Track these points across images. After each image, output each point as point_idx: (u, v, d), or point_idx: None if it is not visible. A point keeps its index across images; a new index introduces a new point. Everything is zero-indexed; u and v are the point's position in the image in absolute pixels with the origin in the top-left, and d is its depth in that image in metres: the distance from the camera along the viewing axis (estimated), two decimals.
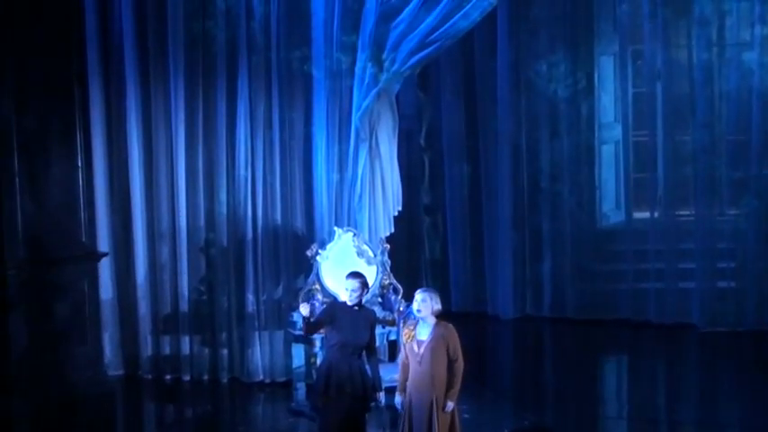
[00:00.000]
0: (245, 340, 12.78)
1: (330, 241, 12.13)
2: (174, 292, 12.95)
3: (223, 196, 12.81)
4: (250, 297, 12.76)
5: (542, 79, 15.18)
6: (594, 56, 15.32)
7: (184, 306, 12.91)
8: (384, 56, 12.21)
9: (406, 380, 9.36)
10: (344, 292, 9.64)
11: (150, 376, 13.06)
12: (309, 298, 11.79)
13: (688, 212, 15.00)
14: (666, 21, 14.70)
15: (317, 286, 11.95)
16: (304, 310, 9.60)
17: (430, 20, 12.08)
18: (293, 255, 12.71)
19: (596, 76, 15.33)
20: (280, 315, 12.70)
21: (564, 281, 15.25)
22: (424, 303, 9.29)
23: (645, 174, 15.20)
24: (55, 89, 12.07)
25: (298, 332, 11.56)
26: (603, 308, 15.08)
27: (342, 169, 12.50)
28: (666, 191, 14.90)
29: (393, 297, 11.97)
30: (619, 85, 15.37)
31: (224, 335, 12.86)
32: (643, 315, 14.87)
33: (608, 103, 15.54)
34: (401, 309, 11.57)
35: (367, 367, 9.55)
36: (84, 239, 12.41)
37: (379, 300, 12.01)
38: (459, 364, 9.26)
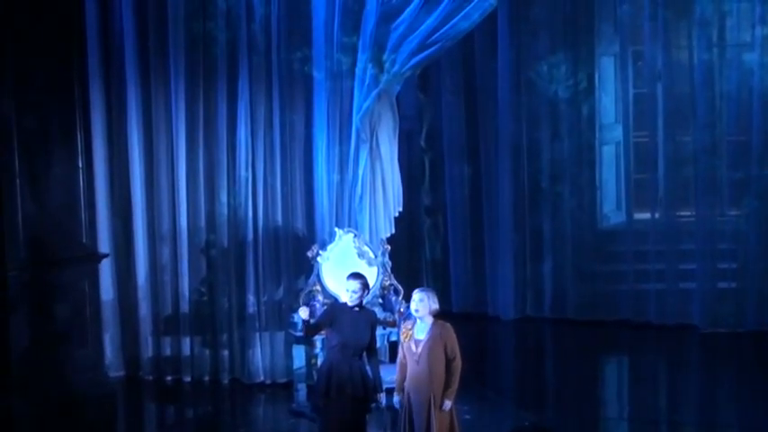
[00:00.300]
0: (246, 341, 12.78)
1: (331, 242, 12.13)
2: (174, 293, 12.96)
3: (224, 197, 12.81)
4: (251, 298, 12.77)
5: (543, 80, 15.18)
6: (595, 56, 15.31)
7: (185, 307, 12.92)
8: (385, 57, 12.21)
9: (403, 379, 9.39)
10: (345, 293, 9.65)
11: (151, 377, 13.06)
12: (310, 299, 11.79)
13: (689, 213, 14.99)
14: (667, 21, 14.70)
15: (318, 287, 11.95)
16: (303, 313, 9.60)
17: (430, 21, 12.08)
18: (294, 256, 12.71)
19: (597, 76, 15.32)
20: (280, 316, 12.70)
21: (565, 282, 15.25)
22: (422, 303, 9.31)
23: (645, 174, 15.20)
24: (56, 90, 12.07)
25: (298, 333, 11.56)
26: (604, 309, 15.08)
27: (342, 170, 12.50)
28: (667, 191, 14.90)
29: (394, 298, 11.97)
30: (619, 86, 15.37)
31: (225, 336, 12.87)
32: (644, 316, 14.87)
33: (609, 103, 15.54)
34: (402, 310, 11.57)
35: (368, 368, 9.56)
36: (84, 240, 12.41)
37: (380, 301, 12.01)
38: (457, 364, 9.28)
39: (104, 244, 12.93)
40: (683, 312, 14.73)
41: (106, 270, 12.97)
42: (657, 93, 14.83)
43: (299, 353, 12.02)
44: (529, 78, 15.20)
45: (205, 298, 12.94)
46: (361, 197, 12.41)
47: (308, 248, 12.13)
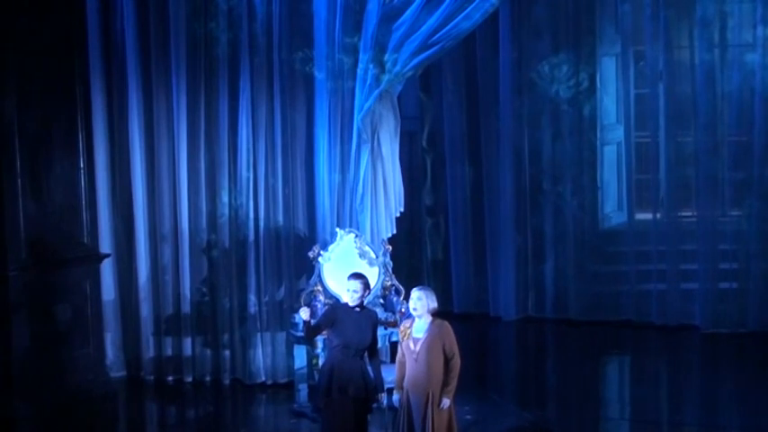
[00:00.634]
0: (247, 341, 12.78)
1: (332, 242, 12.13)
2: (176, 293, 12.96)
3: (225, 197, 12.81)
4: (252, 298, 12.77)
5: (544, 80, 15.18)
6: (596, 57, 15.31)
7: (186, 307, 12.92)
8: (386, 57, 12.21)
9: (403, 377, 9.42)
10: (346, 292, 9.66)
11: (152, 377, 13.06)
12: (311, 299, 11.79)
13: (690, 213, 15.00)
14: (668, 22, 14.69)
15: (319, 287, 11.94)
16: (304, 313, 9.60)
17: (432, 21, 12.08)
18: (295, 256, 12.71)
19: (598, 77, 15.32)
20: (282, 316, 12.70)
21: (566, 282, 15.25)
22: (420, 302, 9.34)
23: (647, 175, 15.20)
24: (57, 90, 12.07)
25: (300, 333, 11.55)
26: (606, 309, 15.08)
27: (344, 170, 12.50)
28: (668, 192, 14.90)
29: (395, 298, 11.96)
30: (621, 87, 15.38)
31: (226, 336, 12.87)
32: (645, 316, 14.86)
33: (610, 104, 15.54)
34: (403, 310, 11.56)
35: (369, 368, 9.56)
36: (86, 241, 12.41)
37: (381, 301, 12.00)
38: (456, 362, 9.30)
39: (106, 244, 12.94)
40: (685, 313, 14.73)
41: (107, 270, 12.98)
42: (659, 93, 14.83)
43: (300, 353, 12.01)
44: (530, 79, 15.20)
45: (206, 298, 12.94)
46: (362, 197, 12.40)
47: (310, 249, 12.13)
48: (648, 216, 15.17)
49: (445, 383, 9.29)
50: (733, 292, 14.60)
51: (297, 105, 12.74)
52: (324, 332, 9.70)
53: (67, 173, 12.20)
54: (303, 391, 11.93)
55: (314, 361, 11.79)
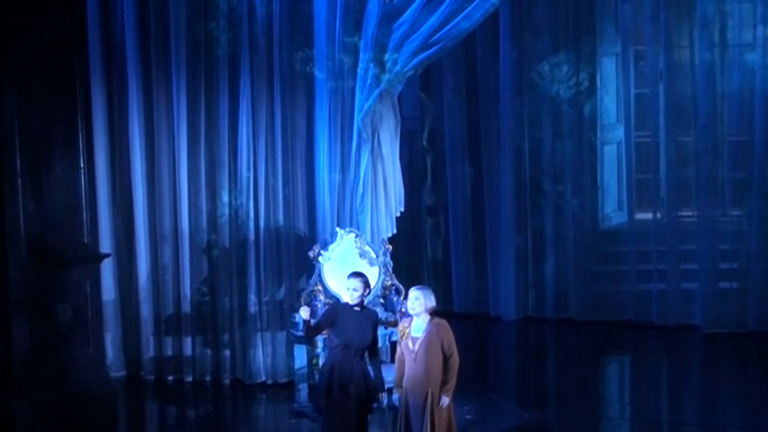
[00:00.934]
0: (248, 341, 12.78)
1: (332, 242, 12.13)
2: (176, 293, 12.96)
3: (225, 197, 12.81)
4: (252, 298, 12.77)
5: (544, 80, 15.18)
6: (597, 57, 15.30)
7: (187, 307, 12.91)
8: (386, 57, 12.21)
9: (402, 376, 9.44)
10: (346, 291, 9.67)
11: (152, 377, 13.06)
12: (311, 299, 11.79)
13: (690, 213, 14.99)
14: (669, 22, 14.69)
15: (320, 287, 11.94)
16: (304, 312, 9.60)
17: (432, 21, 12.07)
18: (295, 256, 12.71)
19: (598, 76, 15.31)
20: (282, 316, 12.70)
21: (566, 282, 15.24)
22: (418, 301, 9.36)
23: (647, 175, 15.19)
24: (57, 90, 12.07)
25: (300, 333, 11.55)
26: (606, 309, 15.07)
27: (344, 170, 12.50)
28: (669, 192, 14.89)
29: (395, 298, 11.96)
30: (621, 86, 15.37)
31: (226, 336, 12.87)
32: (646, 316, 14.86)
33: (610, 103, 15.53)
34: (403, 310, 11.54)
35: (369, 368, 9.57)
36: (86, 241, 12.41)
37: (382, 301, 12.00)
38: (455, 360, 9.31)
39: (106, 244, 12.94)
40: (685, 313, 14.73)
41: (108, 270, 12.98)
42: (659, 93, 14.82)
43: (300, 353, 12.01)
44: (530, 78, 15.19)
45: (206, 298, 12.94)
46: (362, 197, 12.40)
47: (310, 248, 12.12)
48: (649, 216, 15.16)
49: (444, 382, 9.30)
50: (733, 291, 14.60)
51: (297, 105, 12.74)
52: (324, 332, 9.70)
53: (68, 173, 12.20)
54: (303, 390, 11.93)
55: (314, 361, 11.79)
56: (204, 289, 12.96)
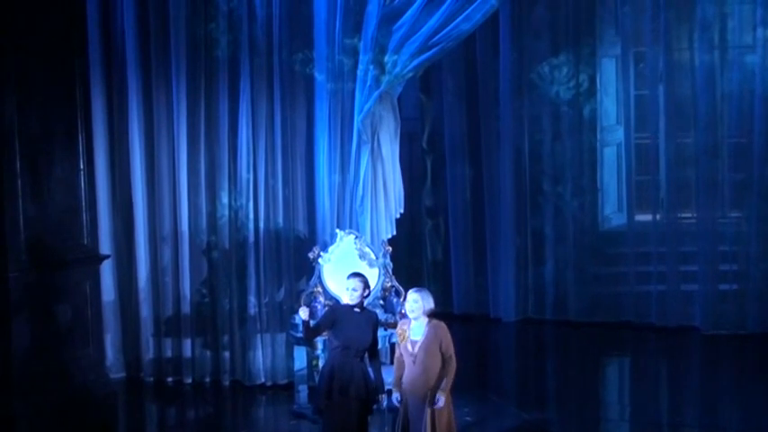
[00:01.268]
0: (247, 343, 12.78)
1: (332, 244, 12.12)
2: (175, 294, 12.96)
3: (225, 199, 12.81)
4: (252, 299, 12.77)
5: (544, 81, 15.19)
6: (597, 58, 15.32)
7: (186, 308, 12.92)
8: (386, 58, 12.21)
9: (401, 376, 9.42)
10: (346, 292, 9.66)
11: (152, 379, 13.06)
12: (311, 300, 11.79)
13: (690, 215, 15.00)
14: (668, 23, 14.71)
15: (319, 289, 11.94)
16: (303, 313, 9.60)
17: (432, 22, 12.08)
18: (295, 257, 12.71)
19: (598, 78, 15.33)
20: (282, 318, 12.70)
21: (566, 283, 15.25)
22: (416, 303, 9.37)
23: (647, 176, 15.20)
24: (57, 91, 12.03)
25: (299, 335, 11.55)
26: (605, 310, 15.08)
27: (344, 171, 12.50)
28: (668, 193, 14.90)
29: (395, 299, 11.96)
30: (621, 88, 15.38)
31: (226, 337, 12.86)
32: (645, 318, 14.87)
33: (610, 105, 15.54)
34: (403, 311, 11.54)
35: (369, 369, 9.56)
36: (86, 242, 12.38)
37: (381, 302, 12.00)
38: (452, 362, 9.30)
39: (105, 245, 12.94)
40: (685, 314, 14.73)
41: (107, 271, 12.98)
42: (659, 94, 14.84)
43: (300, 354, 12.02)
44: (530, 80, 15.21)
45: (206, 299, 12.94)
46: (362, 198, 12.40)
47: (310, 250, 12.13)
48: (648, 217, 15.17)
49: (441, 381, 9.29)
50: (733, 293, 14.61)
51: (297, 107, 12.74)
52: (324, 333, 9.69)
53: (67, 174, 12.17)
54: (303, 392, 11.93)
55: (314, 362, 11.79)
56: (204, 290, 12.95)
